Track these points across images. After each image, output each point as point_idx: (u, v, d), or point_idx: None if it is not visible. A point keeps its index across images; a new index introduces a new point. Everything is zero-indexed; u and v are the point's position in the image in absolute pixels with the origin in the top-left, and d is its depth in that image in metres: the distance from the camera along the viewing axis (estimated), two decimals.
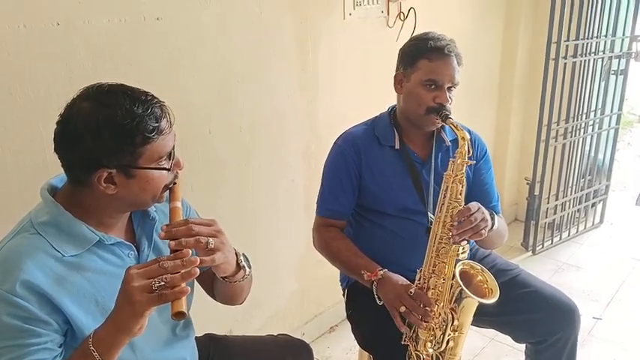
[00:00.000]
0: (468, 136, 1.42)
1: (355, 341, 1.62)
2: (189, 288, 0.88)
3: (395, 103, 1.63)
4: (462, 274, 1.38)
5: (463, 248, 1.39)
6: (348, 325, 1.66)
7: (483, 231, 1.37)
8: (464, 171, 1.41)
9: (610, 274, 2.87)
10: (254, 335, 1.48)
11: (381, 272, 1.43)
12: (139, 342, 1.04)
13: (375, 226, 1.61)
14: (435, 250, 1.41)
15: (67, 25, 1.38)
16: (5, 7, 1.27)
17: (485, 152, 1.67)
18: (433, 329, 1.38)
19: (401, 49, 1.57)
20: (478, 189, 1.63)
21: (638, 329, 2.40)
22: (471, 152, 1.43)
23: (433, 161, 1.58)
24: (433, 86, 1.47)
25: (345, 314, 1.69)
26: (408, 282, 1.41)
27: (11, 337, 0.90)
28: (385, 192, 1.57)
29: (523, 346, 1.69)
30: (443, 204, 1.41)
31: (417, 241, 1.54)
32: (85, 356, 0.90)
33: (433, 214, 1.51)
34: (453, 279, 1.37)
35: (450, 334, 1.38)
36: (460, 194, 1.40)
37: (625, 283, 2.78)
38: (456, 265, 1.38)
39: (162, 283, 0.86)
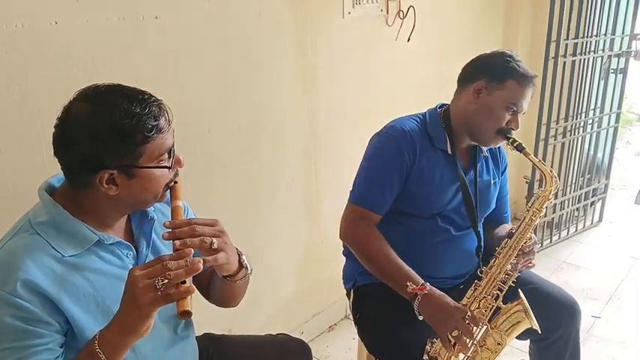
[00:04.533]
0: (556, 175, 1.48)
1: (354, 340, 1.62)
2: (194, 287, 0.89)
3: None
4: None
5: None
6: (347, 325, 1.66)
7: (535, 261, 1.47)
8: (544, 207, 1.47)
9: (609, 272, 2.87)
10: (253, 335, 1.47)
11: (428, 288, 1.38)
12: (140, 342, 1.04)
13: (395, 227, 1.55)
14: (498, 275, 1.44)
15: (66, 24, 1.37)
16: (2, 6, 1.26)
17: (507, 165, 1.70)
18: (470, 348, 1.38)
19: (486, 59, 1.54)
20: (498, 200, 1.67)
21: (637, 328, 2.40)
22: (556, 191, 1.49)
23: (475, 171, 1.58)
24: (513, 110, 1.47)
25: (344, 314, 1.70)
26: (459, 304, 1.39)
27: (14, 338, 0.90)
28: (427, 195, 1.52)
29: (522, 345, 1.69)
30: (522, 235, 1.45)
31: (437, 248, 1.54)
32: (91, 357, 0.90)
33: (477, 226, 1.57)
34: (498, 302, 1.42)
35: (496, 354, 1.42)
36: (532, 227, 1.46)
37: (624, 282, 2.78)
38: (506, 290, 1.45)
39: (166, 281, 0.86)
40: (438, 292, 1.39)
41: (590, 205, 3.40)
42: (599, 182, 3.37)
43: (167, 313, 1.10)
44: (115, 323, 0.91)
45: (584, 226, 3.35)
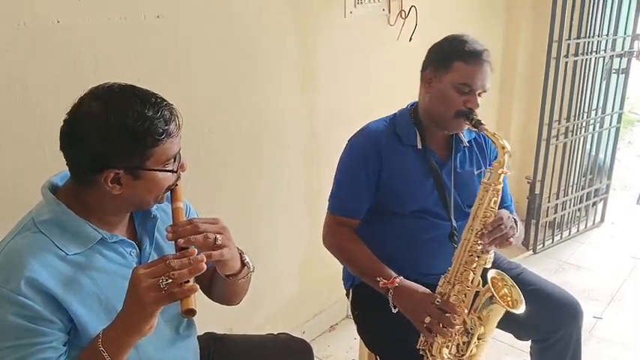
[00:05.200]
0: (508, 147, 1.40)
1: (355, 340, 1.62)
2: (197, 286, 0.89)
3: (411, 100, 1.61)
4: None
5: (489, 256, 1.40)
6: (349, 324, 1.66)
7: (512, 239, 1.39)
8: (501, 181, 1.40)
9: (611, 273, 2.87)
10: (254, 334, 1.48)
11: (398, 280, 1.39)
12: (142, 341, 1.05)
13: (388, 228, 1.57)
14: (463, 258, 1.40)
15: (68, 23, 1.37)
16: (5, 5, 1.26)
17: (497, 154, 1.67)
18: (453, 335, 1.36)
19: (432, 48, 1.53)
20: None
21: (639, 328, 2.40)
22: (509, 162, 1.42)
23: (452, 162, 1.56)
24: (467, 90, 1.44)
25: (345, 313, 1.70)
26: (429, 291, 1.39)
27: (17, 336, 0.90)
28: (405, 192, 1.53)
29: (523, 346, 1.69)
30: (477, 213, 1.40)
31: (431, 244, 1.53)
32: (95, 356, 0.91)
33: (455, 218, 1.52)
34: (477, 286, 1.38)
35: (475, 342, 1.38)
36: (495, 204, 1.40)
37: (626, 282, 2.78)
38: (484, 273, 1.40)
39: (170, 280, 0.86)
40: (409, 283, 1.40)
41: (592, 206, 3.40)
42: (600, 183, 3.36)
43: (170, 312, 1.10)
44: (119, 322, 0.91)
45: (585, 227, 3.35)
